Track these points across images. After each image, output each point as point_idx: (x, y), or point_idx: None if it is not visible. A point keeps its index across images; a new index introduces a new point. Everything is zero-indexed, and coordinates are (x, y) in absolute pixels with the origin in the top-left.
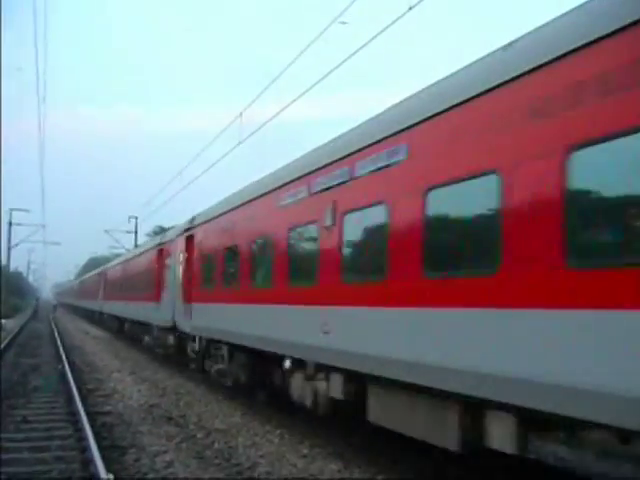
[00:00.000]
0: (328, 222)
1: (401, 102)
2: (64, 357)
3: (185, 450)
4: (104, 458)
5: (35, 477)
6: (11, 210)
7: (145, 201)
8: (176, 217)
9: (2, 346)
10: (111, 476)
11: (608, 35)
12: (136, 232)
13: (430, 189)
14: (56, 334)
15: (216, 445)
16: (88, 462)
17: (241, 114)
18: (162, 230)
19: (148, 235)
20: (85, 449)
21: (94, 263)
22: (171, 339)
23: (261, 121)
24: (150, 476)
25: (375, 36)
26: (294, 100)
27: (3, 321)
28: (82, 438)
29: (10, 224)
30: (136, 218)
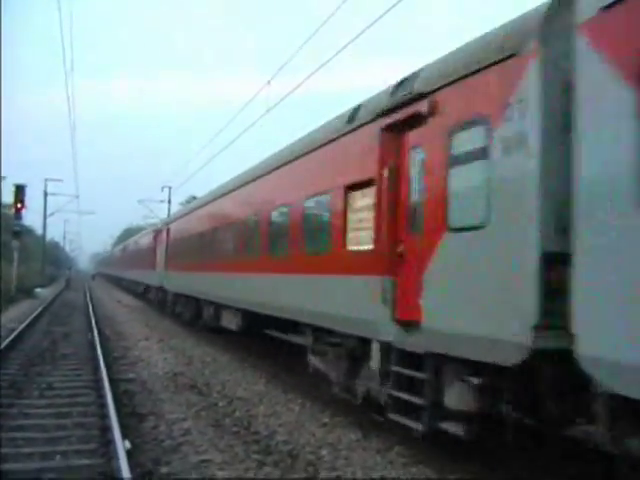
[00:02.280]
0: None
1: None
2: (94, 325)
3: (204, 418)
4: (122, 425)
5: (54, 442)
6: (46, 180)
7: (178, 170)
8: (209, 185)
9: (34, 315)
10: (127, 443)
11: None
12: (169, 202)
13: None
14: (89, 303)
15: (237, 413)
16: (106, 429)
17: (269, 82)
18: (194, 199)
19: (181, 204)
20: (105, 416)
21: (129, 233)
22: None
23: (289, 89)
24: (167, 443)
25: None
26: (320, 66)
27: (38, 290)
28: (103, 405)
29: (46, 194)
30: (169, 188)
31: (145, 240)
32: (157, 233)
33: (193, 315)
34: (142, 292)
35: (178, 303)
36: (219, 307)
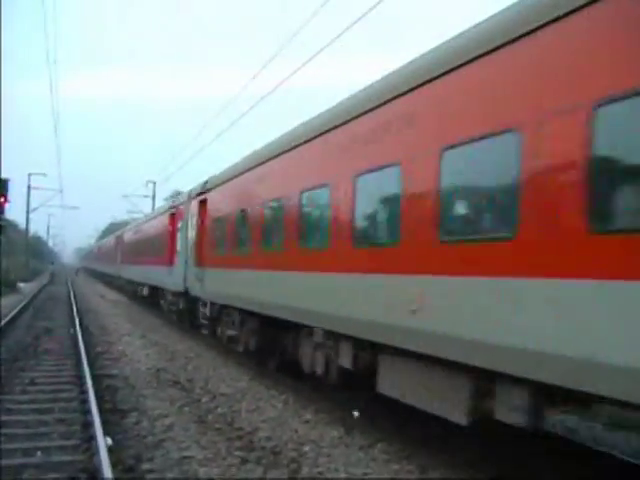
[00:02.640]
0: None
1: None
2: (77, 320)
3: (187, 414)
4: (104, 421)
5: (35, 438)
6: (29, 175)
7: (162, 166)
8: (192, 182)
9: (17, 309)
10: (109, 439)
11: None
12: (154, 197)
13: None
14: (72, 298)
15: (219, 410)
16: (88, 425)
17: (254, 77)
18: (179, 194)
19: (165, 200)
20: (87, 412)
21: (114, 228)
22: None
23: (273, 85)
24: (149, 439)
25: None
26: (306, 62)
27: (21, 284)
28: (85, 401)
29: (29, 188)
30: (154, 183)
31: (154, 224)
32: (177, 211)
33: (261, 344)
34: (147, 296)
35: (224, 321)
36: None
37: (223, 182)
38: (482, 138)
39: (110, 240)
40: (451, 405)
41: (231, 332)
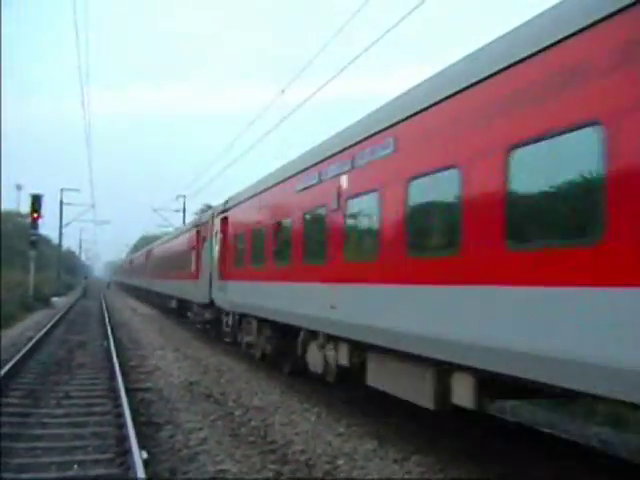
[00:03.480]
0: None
1: None
2: (110, 334)
3: (221, 427)
4: (139, 434)
5: (71, 452)
6: (62, 190)
7: (192, 179)
8: (223, 195)
9: (51, 323)
10: (144, 453)
11: None
12: (184, 210)
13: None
14: (105, 312)
15: (253, 423)
16: (123, 438)
17: (283, 91)
18: (210, 208)
19: (196, 214)
20: (122, 425)
21: (145, 241)
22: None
23: (303, 98)
24: (183, 452)
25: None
26: (336, 74)
27: (55, 299)
28: (120, 414)
29: (61, 204)
30: (184, 196)
31: (181, 240)
32: (201, 227)
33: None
34: (175, 308)
35: (244, 329)
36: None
37: (241, 201)
38: (558, 134)
39: (140, 255)
40: (420, 392)
41: (249, 339)
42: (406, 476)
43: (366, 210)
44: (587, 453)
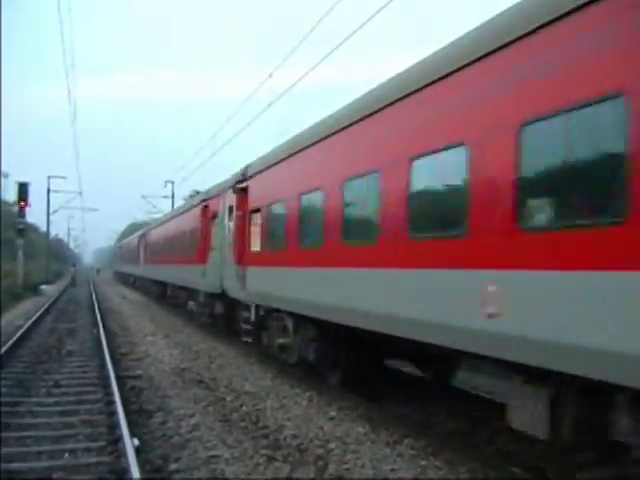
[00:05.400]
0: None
1: None
2: (100, 321)
3: (212, 413)
4: (130, 422)
5: (61, 441)
6: (49, 177)
7: (180, 165)
8: (211, 180)
9: (41, 312)
10: (135, 440)
11: None
12: (173, 196)
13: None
14: (94, 299)
15: (244, 408)
16: (114, 426)
17: (271, 75)
18: (198, 194)
19: (185, 199)
20: (112, 413)
21: (133, 228)
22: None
23: (291, 82)
24: (175, 439)
25: None
26: (324, 57)
27: (43, 286)
28: (110, 402)
29: (49, 191)
30: (172, 182)
31: (183, 220)
32: (210, 204)
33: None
34: (170, 297)
35: (272, 327)
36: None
37: (270, 165)
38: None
39: (133, 239)
40: None
41: (282, 340)
42: (398, 459)
43: None
44: None
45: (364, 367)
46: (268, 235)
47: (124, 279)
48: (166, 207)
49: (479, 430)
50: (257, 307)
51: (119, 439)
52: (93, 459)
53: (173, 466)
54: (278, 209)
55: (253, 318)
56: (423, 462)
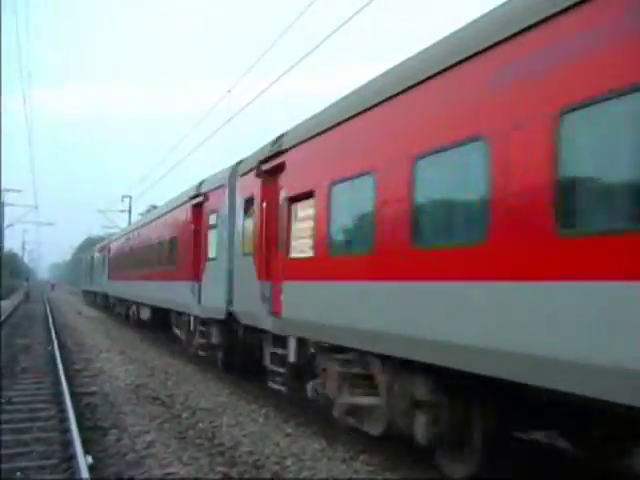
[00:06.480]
0: None
1: None
2: (54, 337)
3: (168, 430)
4: (84, 439)
5: (14, 459)
6: (3, 190)
7: (138, 180)
8: (169, 195)
9: None
10: (89, 458)
11: None
12: (130, 211)
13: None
14: (49, 315)
15: (200, 425)
16: (68, 443)
17: (229, 91)
18: (155, 208)
19: (141, 214)
20: (66, 430)
21: (90, 243)
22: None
23: (250, 98)
24: (130, 456)
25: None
26: (283, 74)
27: None
28: (64, 419)
29: (2, 205)
30: (130, 197)
31: (163, 223)
32: (206, 199)
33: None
34: (147, 320)
35: (330, 374)
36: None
37: (344, 119)
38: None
39: (95, 252)
40: None
41: (357, 400)
42: (354, 475)
43: None
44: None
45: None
46: (335, 231)
47: (79, 295)
48: (123, 222)
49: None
50: (299, 341)
51: (73, 457)
52: (46, 477)
53: None
54: (357, 188)
55: (293, 358)
56: (379, 478)
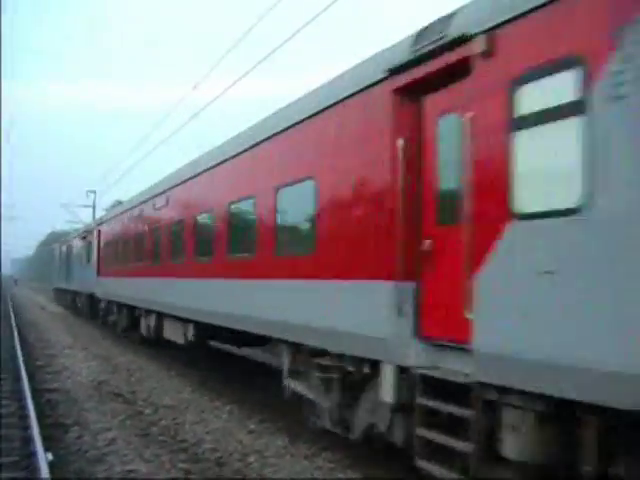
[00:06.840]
0: None
1: None
2: (16, 333)
3: (130, 427)
4: (45, 436)
5: None
6: None
7: (102, 175)
8: (134, 191)
9: None
10: (50, 455)
11: None
12: (94, 206)
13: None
14: (10, 310)
15: (163, 422)
16: (28, 440)
17: (195, 87)
18: (120, 204)
19: (106, 210)
20: (27, 427)
21: (54, 238)
22: None
23: (216, 94)
24: (91, 453)
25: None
26: (248, 71)
27: None
28: (25, 416)
29: None
30: (94, 192)
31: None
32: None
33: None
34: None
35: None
36: None
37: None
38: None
39: (74, 239)
40: None
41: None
42: (316, 472)
43: None
44: None
45: None
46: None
47: (43, 291)
48: (87, 217)
49: (394, 446)
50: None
51: (33, 454)
52: (6, 474)
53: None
54: (243, 207)
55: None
56: (341, 475)
